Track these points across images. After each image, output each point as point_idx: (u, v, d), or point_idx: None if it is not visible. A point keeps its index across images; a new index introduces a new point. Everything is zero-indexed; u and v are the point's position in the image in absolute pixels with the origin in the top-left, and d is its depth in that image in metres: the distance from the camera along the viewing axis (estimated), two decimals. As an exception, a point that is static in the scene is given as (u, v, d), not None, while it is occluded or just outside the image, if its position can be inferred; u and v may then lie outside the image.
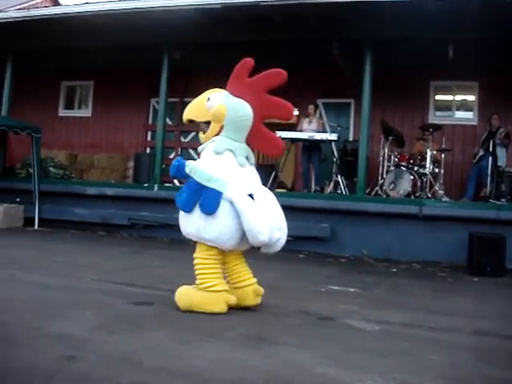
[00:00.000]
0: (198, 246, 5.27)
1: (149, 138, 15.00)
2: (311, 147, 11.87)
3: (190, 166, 5.15)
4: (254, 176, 5.43)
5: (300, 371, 3.65)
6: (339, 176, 11.14)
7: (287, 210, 10.16)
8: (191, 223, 5.19)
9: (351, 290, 6.74)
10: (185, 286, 5.26)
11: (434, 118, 13.05)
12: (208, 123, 5.40)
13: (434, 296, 6.71)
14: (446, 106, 13.35)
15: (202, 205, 5.06)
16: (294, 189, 13.10)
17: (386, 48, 10.48)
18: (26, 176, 12.89)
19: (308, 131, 11.70)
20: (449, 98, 13.32)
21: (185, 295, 5.18)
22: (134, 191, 11.66)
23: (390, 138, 11.07)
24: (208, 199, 5.03)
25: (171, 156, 14.30)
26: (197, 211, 5.09)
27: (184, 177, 5.25)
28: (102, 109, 15.51)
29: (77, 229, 11.54)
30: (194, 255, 5.28)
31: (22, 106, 14.14)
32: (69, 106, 16.28)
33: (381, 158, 11.22)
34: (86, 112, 15.99)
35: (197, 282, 5.17)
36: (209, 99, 5.40)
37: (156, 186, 11.44)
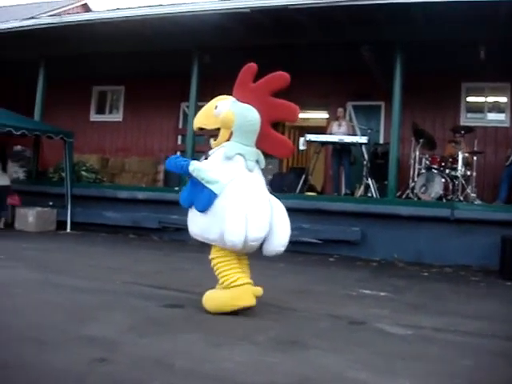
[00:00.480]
0: (212, 246, 5.36)
1: (179, 142, 15.08)
2: (341, 150, 11.82)
3: (194, 167, 5.29)
4: (258, 179, 5.52)
5: (331, 375, 3.64)
6: (370, 179, 11.07)
7: (317, 213, 10.20)
8: (196, 224, 5.40)
9: (382, 294, 6.69)
10: (211, 291, 5.36)
11: (466, 119, 12.91)
12: (218, 130, 5.55)
13: (465, 300, 6.63)
14: (478, 108, 13.19)
15: (195, 202, 5.30)
16: (323, 192, 13.07)
17: (417, 50, 10.41)
18: (58, 180, 13.07)
19: (338, 134, 11.65)
20: (481, 99, 13.16)
21: (212, 298, 5.28)
22: (165, 195, 11.71)
23: (421, 140, 10.96)
24: (202, 198, 5.22)
25: (201, 160, 14.33)
26: (210, 212, 5.22)
27: (186, 174, 5.41)
28: (132, 113, 15.65)
29: (108, 232, 11.65)
30: (210, 257, 5.36)
31: (54, 111, 14.35)
32: (100, 110, 16.48)
33: (412, 161, 11.10)
34: (117, 117, 16.16)
35: (220, 282, 5.28)
36: (216, 107, 5.56)
37: (186, 190, 11.49)
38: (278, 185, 11.73)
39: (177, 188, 11.68)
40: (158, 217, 11.44)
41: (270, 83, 5.45)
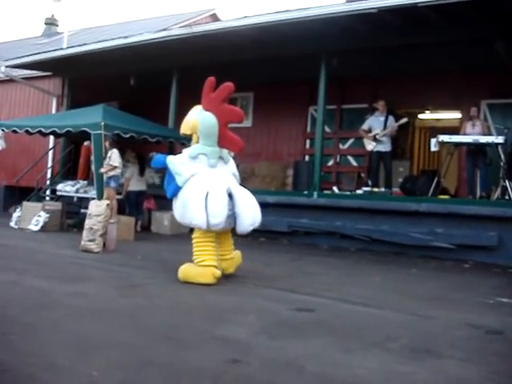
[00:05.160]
0: (195, 229, 6.82)
1: (307, 146, 15.10)
2: (476, 151, 11.31)
3: (168, 160, 6.94)
4: (220, 173, 6.94)
5: (469, 387, 3.49)
6: (507, 181, 10.52)
7: (450, 217, 9.82)
8: (176, 211, 6.92)
9: (522, 302, 6.35)
10: (186, 264, 6.74)
11: None
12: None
13: None
14: None
15: (167, 191, 6.95)
16: (457, 195, 12.59)
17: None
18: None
19: (472, 135, 11.17)
20: None
21: (183, 269, 6.68)
22: (294, 198, 11.79)
23: None
24: (170, 188, 6.87)
25: (329, 163, 14.32)
26: (177, 201, 6.81)
27: (164, 166, 7.00)
28: (261, 119, 15.85)
29: (239, 235, 11.84)
30: (192, 236, 6.84)
31: (187, 119, 14.82)
32: (230, 116, 16.82)
33: (553, 161, 10.43)
34: (247, 122, 16.36)
35: (192, 257, 6.67)
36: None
37: (315, 194, 11.49)
38: (409, 188, 11.45)
39: (306, 192, 11.71)
40: (287, 220, 11.51)
41: (221, 93, 6.91)
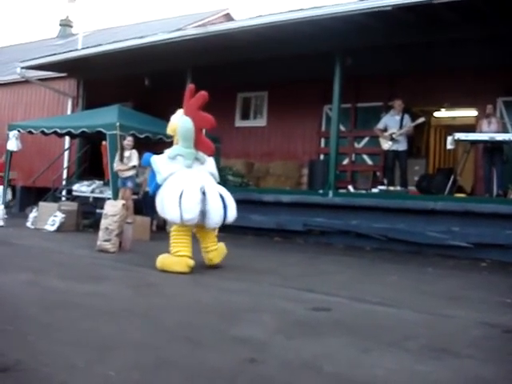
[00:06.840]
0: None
1: (322, 145, 15.06)
2: (492, 149, 11.21)
3: (152, 159, 7.56)
4: (195, 173, 7.49)
5: (488, 387, 3.46)
6: (524, 179, 10.43)
7: (467, 215, 9.73)
8: (157, 206, 7.53)
9: (541, 301, 6.27)
10: (164, 254, 7.30)
11: None
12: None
13: None
14: None
15: (150, 188, 7.83)
16: (473, 193, 12.50)
17: None
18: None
19: (488, 132, 11.07)
20: None
21: (160, 258, 7.27)
22: (309, 198, 11.76)
23: None
24: (152, 185, 7.59)
25: (345, 162, 14.26)
26: (158, 197, 7.45)
27: (149, 164, 7.65)
28: (276, 118, 15.81)
29: (254, 235, 11.87)
30: (171, 229, 7.51)
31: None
32: (245, 116, 16.81)
33: None
34: (261, 122, 16.39)
35: (169, 248, 7.26)
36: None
37: (331, 192, 11.44)
38: (426, 186, 11.39)
39: (321, 191, 11.68)
40: (302, 219, 11.48)
41: (195, 101, 7.44)
